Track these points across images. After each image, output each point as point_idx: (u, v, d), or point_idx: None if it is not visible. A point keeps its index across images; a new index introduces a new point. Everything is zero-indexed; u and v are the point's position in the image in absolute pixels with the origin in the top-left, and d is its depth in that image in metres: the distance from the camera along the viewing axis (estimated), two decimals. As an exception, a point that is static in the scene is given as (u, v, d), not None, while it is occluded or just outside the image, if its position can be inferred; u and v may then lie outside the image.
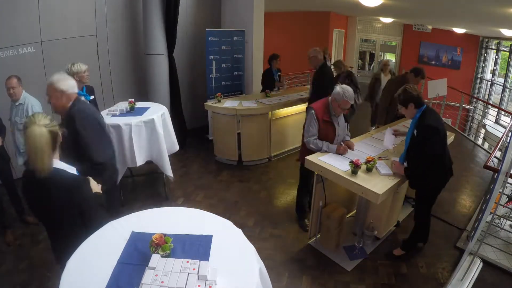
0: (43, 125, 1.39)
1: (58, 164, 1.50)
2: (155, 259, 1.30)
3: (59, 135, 1.49)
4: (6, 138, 2.98)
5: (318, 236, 2.92)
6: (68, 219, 1.55)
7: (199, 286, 1.21)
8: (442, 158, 2.37)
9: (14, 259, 2.68)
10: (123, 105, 3.46)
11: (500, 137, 4.30)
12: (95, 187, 1.68)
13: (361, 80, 12.57)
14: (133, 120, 3.13)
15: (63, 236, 1.60)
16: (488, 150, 5.76)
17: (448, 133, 2.80)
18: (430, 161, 2.29)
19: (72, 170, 1.55)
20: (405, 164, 2.48)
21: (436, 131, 2.27)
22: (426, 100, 8.97)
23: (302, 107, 4.93)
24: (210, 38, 4.97)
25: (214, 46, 5.04)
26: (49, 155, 1.40)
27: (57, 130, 1.47)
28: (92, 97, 3.16)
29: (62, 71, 2.80)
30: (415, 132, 2.36)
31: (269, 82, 5.24)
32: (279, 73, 5.39)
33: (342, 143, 2.86)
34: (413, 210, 3.47)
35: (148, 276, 1.24)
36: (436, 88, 5.78)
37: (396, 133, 2.85)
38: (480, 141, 6.40)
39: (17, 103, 2.95)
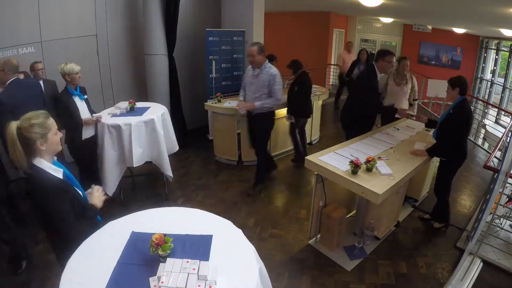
0: (18, 126, 1.40)
1: (41, 163, 1.45)
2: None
3: (32, 142, 1.41)
4: None
5: (318, 236, 2.92)
6: (44, 218, 1.51)
7: (199, 286, 1.21)
8: (465, 138, 2.89)
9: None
10: (123, 105, 3.46)
11: (500, 137, 4.29)
12: (96, 198, 1.65)
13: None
14: (133, 120, 3.13)
15: (49, 234, 1.59)
16: (488, 150, 5.76)
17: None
18: (457, 137, 2.78)
19: (57, 172, 1.49)
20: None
21: (470, 117, 2.81)
22: (426, 100, 8.88)
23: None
24: (210, 38, 4.97)
25: (214, 46, 5.04)
26: (19, 151, 1.39)
27: (30, 137, 1.40)
28: (85, 96, 3.15)
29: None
30: (451, 111, 2.79)
31: None
32: None
33: None
34: (413, 210, 3.49)
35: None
36: (436, 88, 5.79)
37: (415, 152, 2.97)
38: (480, 141, 6.39)
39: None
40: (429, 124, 3.28)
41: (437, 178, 3.10)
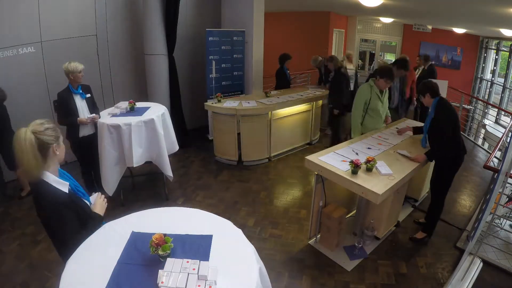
0: (31, 130, 1.34)
1: (48, 178, 1.41)
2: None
3: (47, 146, 1.39)
4: None
5: (318, 236, 2.92)
6: (47, 228, 1.50)
7: (199, 286, 1.21)
8: (456, 137, 2.76)
9: (14, 259, 2.68)
10: (123, 105, 3.46)
11: (500, 137, 4.30)
12: (99, 206, 1.64)
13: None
14: (133, 120, 3.13)
15: (53, 237, 1.57)
16: (488, 150, 5.77)
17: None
18: (449, 136, 2.68)
19: (63, 186, 1.45)
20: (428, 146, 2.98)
21: (452, 112, 2.76)
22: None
23: (302, 107, 4.94)
24: (210, 38, 4.98)
25: (214, 46, 5.04)
26: (36, 158, 1.33)
27: (46, 140, 1.37)
28: (88, 95, 3.21)
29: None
30: (433, 115, 2.77)
31: (283, 80, 5.57)
32: (288, 71, 5.71)
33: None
34: (413, 210, 3.49)
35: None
36: (436, 88, 5.81)
37: (401, 132, 3.31)
38: (480, 141, 6.39)
39: None
40: (417, 130, 3.25)
41: (436, 177, 2.89)
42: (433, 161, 2.87)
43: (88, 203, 1.63)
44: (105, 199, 1.71)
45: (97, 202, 1.65)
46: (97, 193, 1.73)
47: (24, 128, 1.34)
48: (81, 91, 3.12)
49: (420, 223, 3.20)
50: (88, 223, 1.53)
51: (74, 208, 1.47)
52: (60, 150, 1.47)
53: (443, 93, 4.40)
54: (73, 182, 1.57)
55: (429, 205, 3.00)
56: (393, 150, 2.97)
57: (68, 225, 1.43)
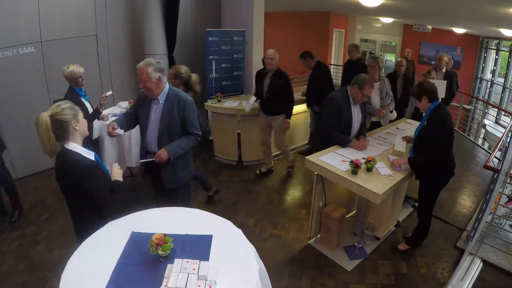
0: (49, 114, 1.50)
1: (75, 147, 1.56)
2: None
3: (66, 124, 1.52)
4: None
5: (318, 236, 2.92)
6: (76, 199, 1.62)
7: (199, 286, 1.21)
8: (447, 152, 2.43)
9: (14, 259, 2.68)
10: (123, 105, 3.46)
11: (500, 137, 4.30)
12: (116, 174, 1.73)
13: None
14: (133, 120, 3.12)
15: (76, 213, 1.68)
16: (488, 150, 5.77)
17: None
18: (436, 152, 2.37)
19: (89, 155, 1.60)
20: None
21: (446, 125, 2.39)
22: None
23: (301, 107, 4.93)
24: (210, 38, 4.97)
25: (214, 46, 5.04)
26: (49, 140, 1.49)
27: (64, 119, 1.51)
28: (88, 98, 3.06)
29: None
30: (425, 122, 2.46)
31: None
32: None
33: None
34: (413, 210, 3.49)
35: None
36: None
37: (406, 139, 2.91)
38: (480, 141, 6.40)
39: None
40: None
41: (420, 197, 2.68)
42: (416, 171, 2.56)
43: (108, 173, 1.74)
44: (119, 167, 1.81)
45: (113, 171, 1.74)
46: (113, 164, 1.82)
47: (44, 112, 1.51)
48: (84, 93, 2.95)
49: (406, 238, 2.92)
50: (115, 189, 1.65)
51: (101, 173, 1.62)
52: (80, 125, 1.59)
53: (442, 93, 4.40)
54: (97, 155, 1.68)
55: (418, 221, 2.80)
56: (393, 150, 2.97)
57: (102, 186, 1.57)
